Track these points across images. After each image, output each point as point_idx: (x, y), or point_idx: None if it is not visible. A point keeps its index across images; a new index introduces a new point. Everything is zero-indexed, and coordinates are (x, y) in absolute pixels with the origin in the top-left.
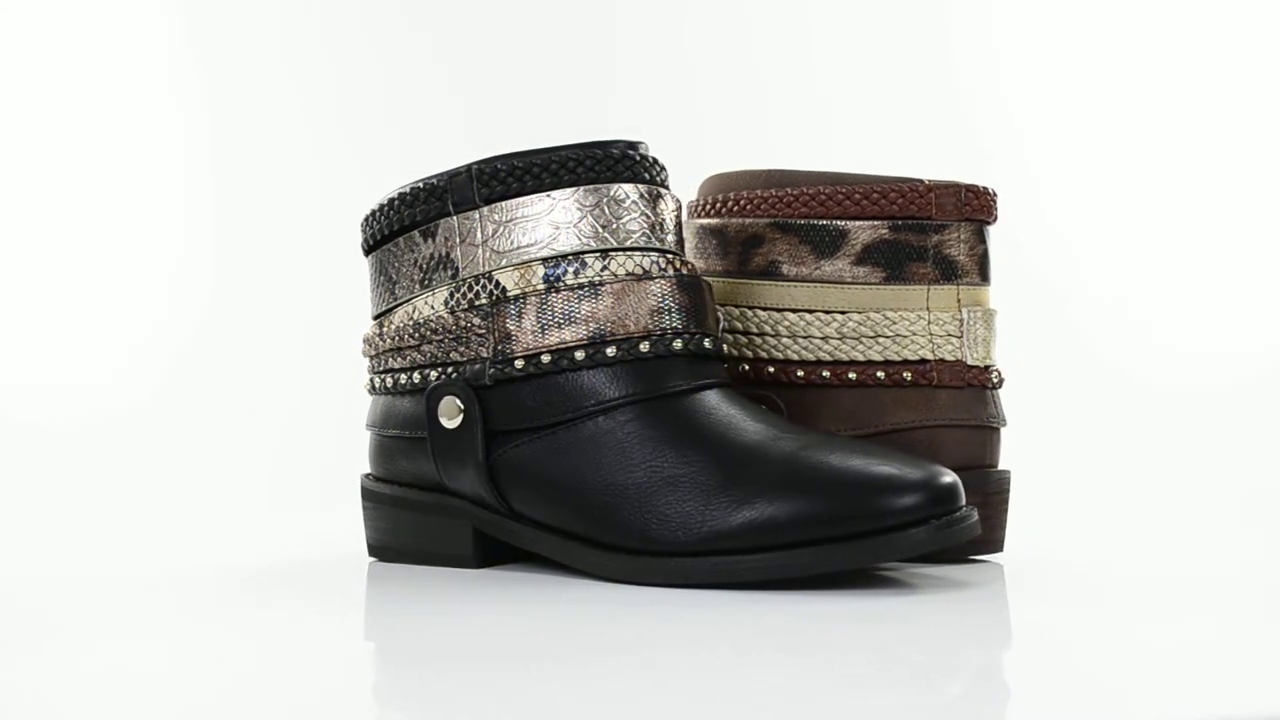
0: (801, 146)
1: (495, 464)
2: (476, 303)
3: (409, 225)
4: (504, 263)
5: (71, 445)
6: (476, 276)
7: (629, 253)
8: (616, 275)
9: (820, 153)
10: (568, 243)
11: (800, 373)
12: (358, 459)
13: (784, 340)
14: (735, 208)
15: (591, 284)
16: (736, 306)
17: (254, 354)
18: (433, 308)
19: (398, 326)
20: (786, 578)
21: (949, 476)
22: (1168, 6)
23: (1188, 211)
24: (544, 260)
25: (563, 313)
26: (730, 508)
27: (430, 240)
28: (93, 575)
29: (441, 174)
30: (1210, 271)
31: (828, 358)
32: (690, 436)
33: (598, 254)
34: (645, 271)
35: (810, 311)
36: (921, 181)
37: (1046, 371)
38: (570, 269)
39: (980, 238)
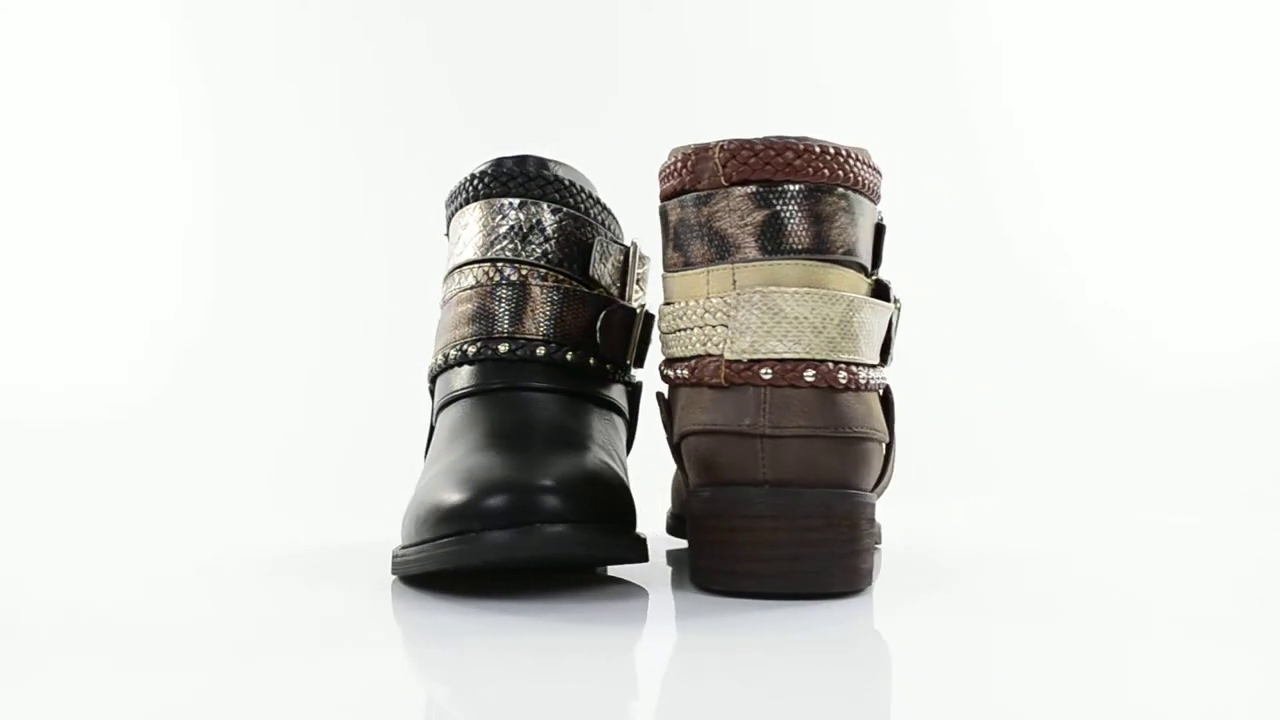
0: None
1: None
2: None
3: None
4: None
5: (69, 444)
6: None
7: (470, 266)
8: (462, 286)
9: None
10: (453, 260)
11: (668, 370)
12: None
13: (664, 335)
14: None
15: (449, 295)
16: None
17: (259, 352)
18: None
19: None
20: (416, 573)
21: (492, 486)
22: (1168, 4)
23: (1182, 209)
24: (444, 277)
25: (440, 322)
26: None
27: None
28: (109, 569)
29: None
30: (1201, 270)
31: (669, 355)
32: (447, 438)
33: (459, 268)
34: (477, 282)
35: (667, 304)
36: (690, 147)
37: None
38: (451, 284)
39: (760, 203)
